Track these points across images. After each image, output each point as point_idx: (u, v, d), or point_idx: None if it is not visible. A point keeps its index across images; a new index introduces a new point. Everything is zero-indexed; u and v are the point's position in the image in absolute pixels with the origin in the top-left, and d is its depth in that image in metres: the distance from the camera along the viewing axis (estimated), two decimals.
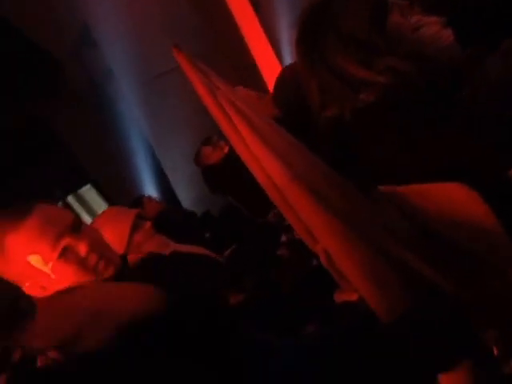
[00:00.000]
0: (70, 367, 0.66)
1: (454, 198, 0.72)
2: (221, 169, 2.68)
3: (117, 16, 3.59)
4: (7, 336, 0.71)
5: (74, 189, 4.12)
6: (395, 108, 0.76)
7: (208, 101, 0.84)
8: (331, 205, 0.74)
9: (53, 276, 0.87)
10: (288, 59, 3.55)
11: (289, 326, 1.11)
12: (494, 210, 0.69)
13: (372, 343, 0.72)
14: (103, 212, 1.76)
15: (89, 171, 4.12)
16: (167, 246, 1.64)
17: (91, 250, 0.89)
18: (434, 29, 0.77)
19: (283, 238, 1.76)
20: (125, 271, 0.95)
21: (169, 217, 2.56)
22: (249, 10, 3.64)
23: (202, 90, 0.84)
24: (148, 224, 1.65)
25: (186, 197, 4.28)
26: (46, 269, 0.86)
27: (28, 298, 0.90)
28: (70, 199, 4.10)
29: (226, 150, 2.70)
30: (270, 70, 3.58)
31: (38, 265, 0.86)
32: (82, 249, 0.88)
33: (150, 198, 2.90)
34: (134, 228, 1.59)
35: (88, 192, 4.21)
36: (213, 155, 2.75)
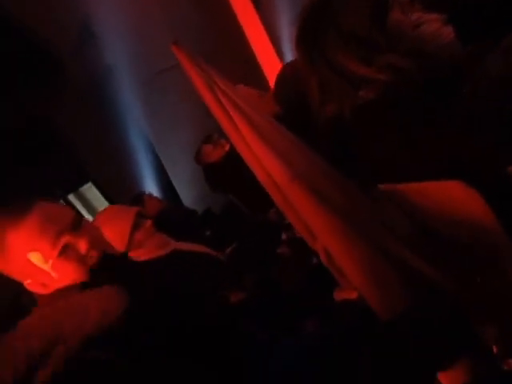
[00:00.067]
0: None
1: (453, 197, 0.72)
2: (221, 167, 2.68)
3: (117, 13, 3.58)
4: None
5: (74, 187, 4.13)
6: (395, 105, 0.76)
7: (208, 98, 0.84)
8: (331, 203, 0.74)
9: (53, 273, 0.87)
10: (289, 56, 3.55)
11: (289, 325, 1.11)
12: (494, 207, 0.69)
13: (372, 343, 0.72)
14: (104, 210, 1.76)
15: (89, 169, 4.12)
16: (168, 245, 1.64)
17: (91, 248, 0.89)
18: (434, 26, 0.77)
19: (284, 236, 1.76)
20: (125, 270, 0.96)
21: (169, 215, 2.56)
22: (250, 7, 3.63)
23: (201, 87, 0.84)
24: (148, 222, 1.65)
25: (187, 195, 4.29)
26: (47, 266, 0.86)
27: (30, 294, 0.91)
28: (71, 198, 4.10)
29: (227, 148, 2.70)
30: (270, 67, 3.57)
31: (38, 262, 0.86)
32: (83, 246, 0.88)
33: (150, 195, 2.90)
34: (135, 226, 1.59)
35: (89, 190, 4.22)
36: (213, 153, 2.75)
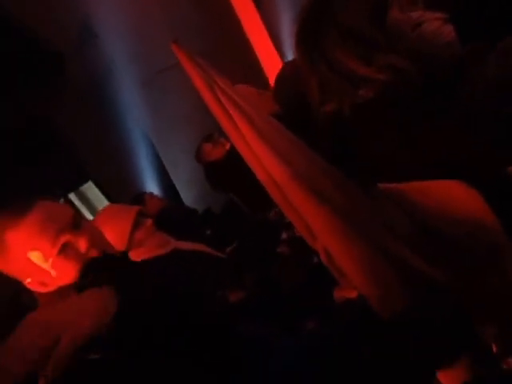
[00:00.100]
0: None
1: (453, 196, 0.72)
2: (222, 166, 2.68)
3: (117, 12, 3.58)
4: None
5: (75, 186, 4.13)
6: (395, 105, 0.76)
7: (207, 97, 0.83)
8: (331, 202, 0.74)
9: (53, 272, 0.87)
10: (289, 55, 3.54)
11: (289, 325, 1.11)
12: (493, 207, 0.69)
13: (372, 342, 0.72)
14: (104, 209, 1.76)
15: (90, 168, 4.12)
16: (168, 244, 1.64)
17: (91, 246, 0.89)
18: (435, 25, 0.77)
19: (284, 236, 1.76)
20: (125, 269, 0.96)
21: (170, 214, 2.56)
22: (250, 6, 3.63)
23: (201, 87, 0.84)
24: (149, 221, 1.65)
25: (188, 194, 4.29)
26: (47, 265, 0.86)
27: (30, 292, 0.91)
28: (72, 197, 4.10)
29: (227, 146, 2.69)
30: (271, 65, 3.57)
31: (38, 261, 0.86)
32: (82, 245, 0.88)
33: (151, 194, 2.90)
34: (135, 225, 1.59)
35: (89, 189, 4.22)
36: (214, 152, 2.74)
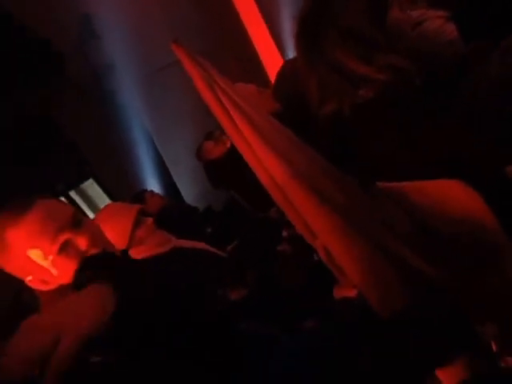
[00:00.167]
0: None
1: (452, 195, 0.72)
2: (223, 163, 2.67)
3: (119, 9, 3.57)
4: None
5: (76, 184, 4.13)
6: (395, 105, 0.76)
7: (207, 96, 0.83)
8: (330, 201, 0.74)
9: (53, 270, 0.87)
10: (290, 52, 3.53)
11: (289, 324, 1.11)
12: (493, 206, 0.69)
13: (372, 342, 0.72)
14: (105, 207, 1.76)
15: (91, 166, 4.12)
16: (169, 242, 1.65)
17: (92, 245, 0.89)
18: (437, 23, 0.76)
19: (284, 234, 1.76)
20: (125, 267, 0.96)
21: (171, 212, 2.56)
22: (251, 4, 3.62)
23: (201, 86, 0.84)
24: (150, 220, 1.65)
25: (188, 192, 4.29)
26: (47, 263, 0.87)
27: (31, 290, 0.91)
28: (73, 194, 4.11)
29: (228, 144, 2.69)
30: (272, 62, 3.56)
31: (38, 259, 0.86)
32: (82, 243, 0.88)
33: (152, 192, 2.90)
34: (136, 224, 1.59)
35: (90, 187, 4.22)
36: (215, 150, 2.74)
